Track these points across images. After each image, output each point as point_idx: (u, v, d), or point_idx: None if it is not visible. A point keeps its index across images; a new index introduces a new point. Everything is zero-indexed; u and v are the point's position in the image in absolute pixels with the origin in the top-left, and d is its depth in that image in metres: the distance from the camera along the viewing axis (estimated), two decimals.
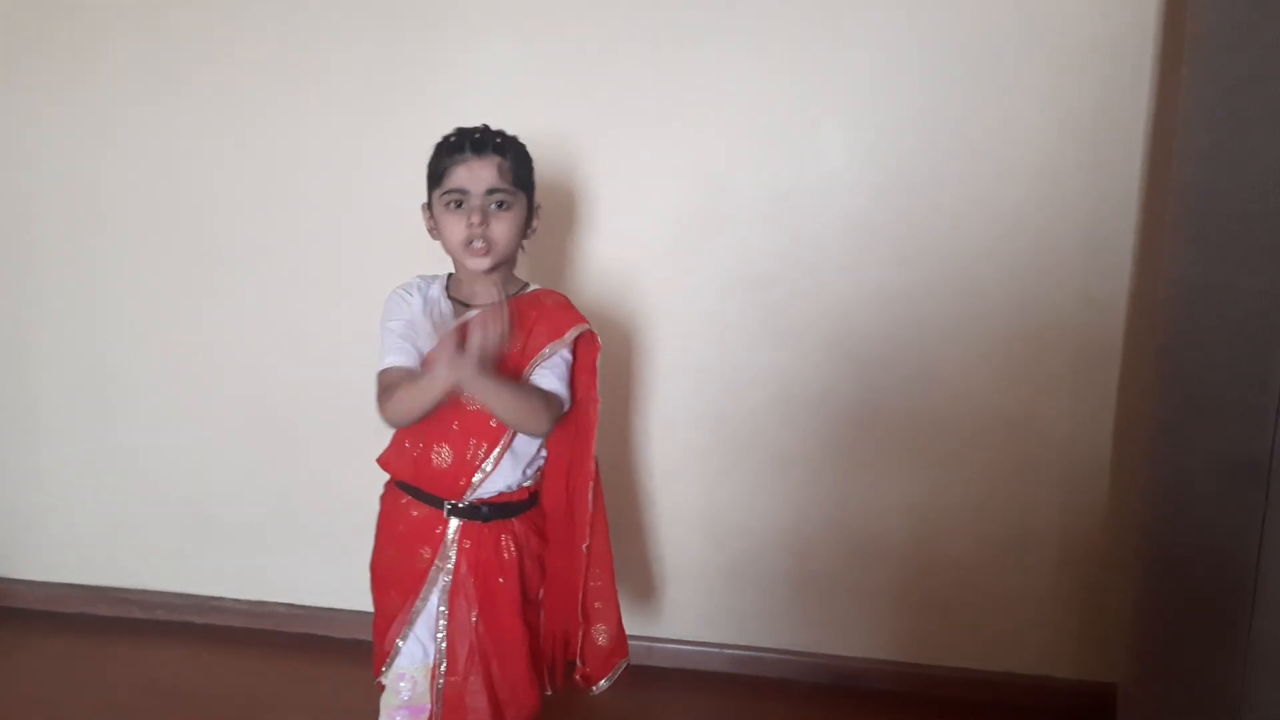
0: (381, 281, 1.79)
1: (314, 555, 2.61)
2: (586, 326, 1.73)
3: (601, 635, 1.83)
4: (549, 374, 1.70)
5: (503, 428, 1.68)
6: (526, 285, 1.78)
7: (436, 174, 1.69)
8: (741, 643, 2.51)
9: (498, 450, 1.69)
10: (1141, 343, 2.20)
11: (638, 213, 2.35)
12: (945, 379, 2.31)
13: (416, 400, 1.61)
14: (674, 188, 2.33)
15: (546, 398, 1.68)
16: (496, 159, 1.66)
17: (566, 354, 1.72)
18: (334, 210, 2.45)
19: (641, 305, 2.38)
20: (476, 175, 1.65)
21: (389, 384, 1.66)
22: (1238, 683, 1.52)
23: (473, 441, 1.68)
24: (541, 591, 1.82)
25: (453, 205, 1.66)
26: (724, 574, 2.48)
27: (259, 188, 2.48)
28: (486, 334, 1.56)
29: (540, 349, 1.69)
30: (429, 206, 1.72)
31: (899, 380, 2.32)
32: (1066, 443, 2.30)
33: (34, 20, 2.49)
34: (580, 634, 1.80)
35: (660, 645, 2.52)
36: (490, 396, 1.60)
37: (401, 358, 1.68)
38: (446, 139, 1.70)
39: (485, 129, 1.69)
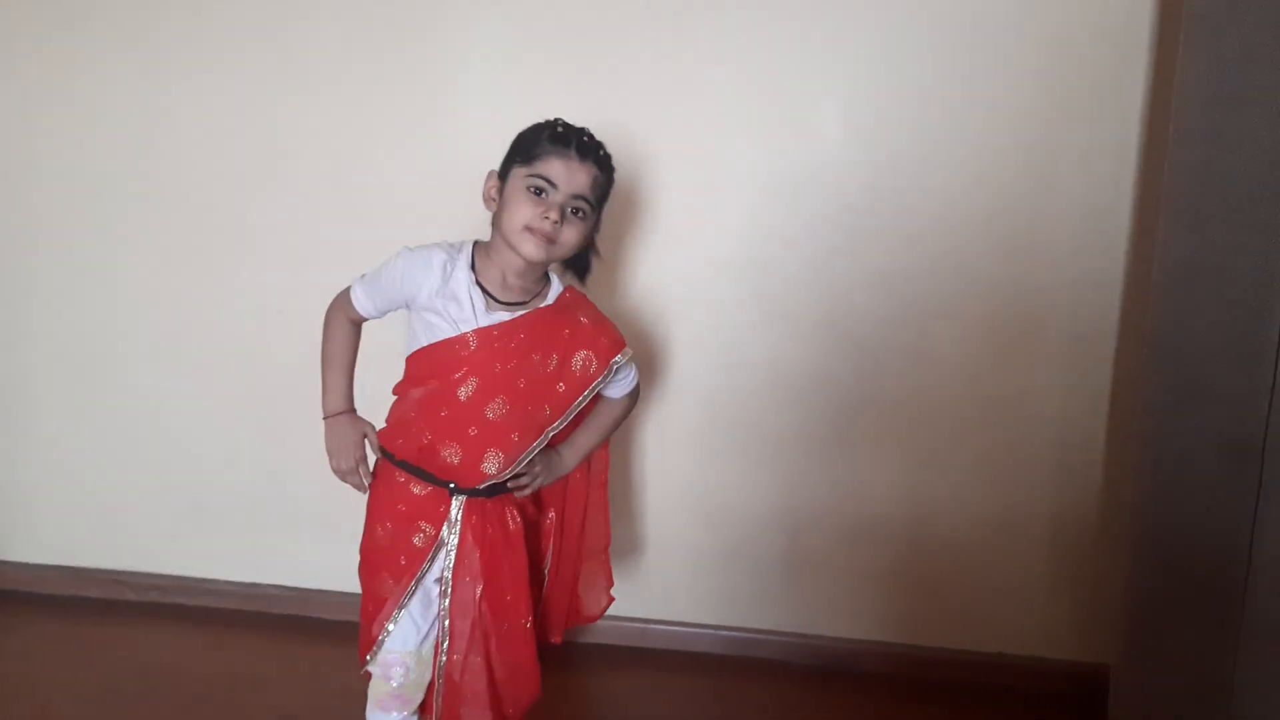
0: (375, 262, 1.78)
1: (306, 537, 2.61)
2: (629, 353, 1.76)
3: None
4: (618, 384, 1.81)
5: (525, 443, 1.67)
6: (549, 279, 1.73)
7: (529, 154, 1.61)
8: (734, 624, 2.51)
9: (516, 461, 1.68)
10: (1136, 324, 2.20)
11: (632, 195, 2.34)
12: (939, 360, 2.31)
13: (326, 367, 1.79)
14: (668, 169, 2.31)
15: (625, 403, 1.85)
16: (594, 170, 1.62)
17: (621, 377, 1.79)
18: (327, 192, 2.44)
19: (635, 287, 2.37)
20: (573, 175, 1.60)
21: (336, 319, 1.79)
22: (1230, 663, 1.52)
23: (489, 451, 1.66)
24: (549, 559, 1.87)
25: (533, 190, 1.60)
26: (717, 555, 2.48)
27: (251, 170, 2.47)
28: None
29: (588, 380, 1.72)
30: (502, 176, 1.66)
31: (894, 362, 2.32)
32: (1060, 424, 2.30)
33: None
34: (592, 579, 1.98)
35: (653, 626, 2.52)
36: (588, 450, 1.85)
37: (369, 305, 1.75)
38: (552, 125, 1.63)
39: (591, 134, 1.65)
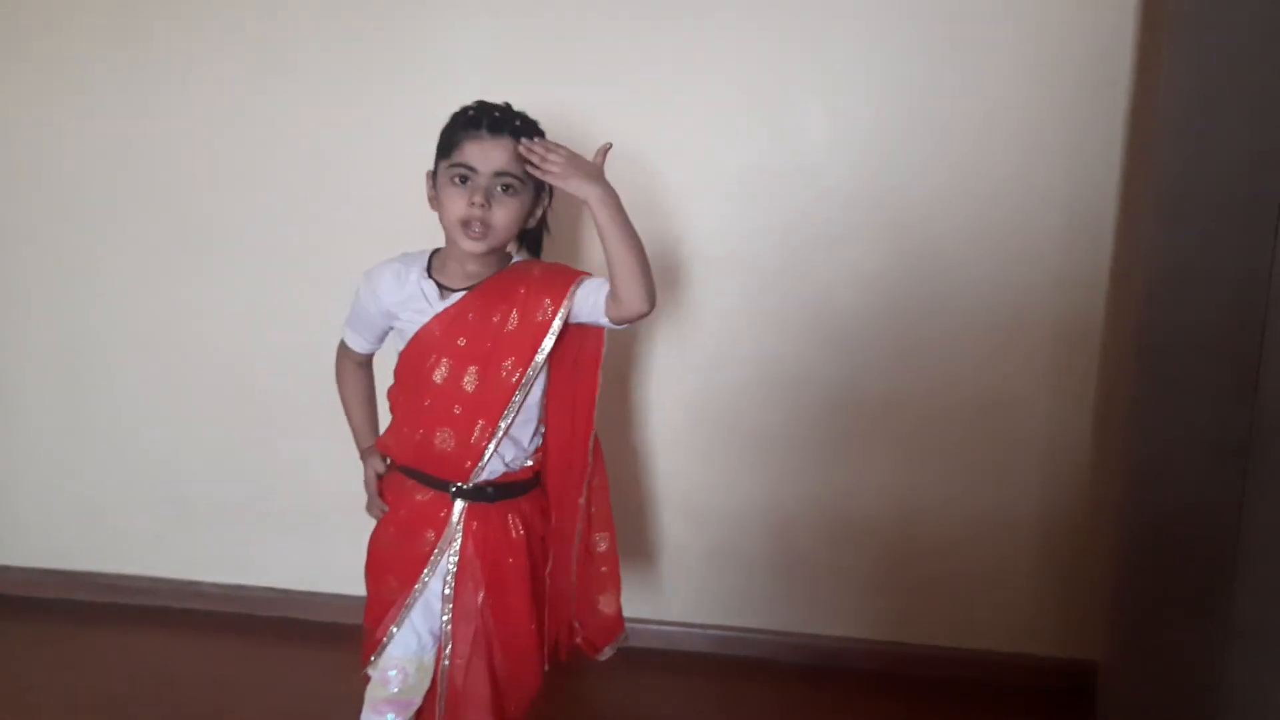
0: (360, 264, 1.77)
1: (292, 539, 2.59)
2: (588, 276, 1.68)
3: (607, 603, 1.86)
4: (594, 299, 1.65)
5: (504, 400, 1.65)
6: (510, 257, 1.74)
7: (447, 145, 1.63)
8: (723, 623, 2.51)
9: (502, 427, 1.66)
10: (1121, 322, 2.20)
11: (617, 193, 2.33)
12: (926, 358, 2.31)
13: (346, 413, 1.88)
14: (652, 167, 2.31)
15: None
16: (511, 142, 1.60)
17: (586, 290, 1.66)
18: (311, 190, 2.43)
19: None
20: (488, 155, 1.59)
21: (342, 366, 1.88)
22: (1217, 659, 1.53)
23: (479, 423, 1.66)
24: (549, 567, 1.82)
25: (458, 180, 1.61)
26: (705, 555, 2.48)
27: (236, 169, 2.45)
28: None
29: (550, 320, 1.64)
30: (434, 175, 1.67)
31: (880, 360, 2.32)
32: (1046, 421, 2.30)
33: None
34: (586, 600, 1.84)
35: (642, 626, 2.51)
36: (620, 217, 1.62)
37: (360, 340, 1.82)
38: (465, 110, 1.64)
39: (507, 108, 1.65)
